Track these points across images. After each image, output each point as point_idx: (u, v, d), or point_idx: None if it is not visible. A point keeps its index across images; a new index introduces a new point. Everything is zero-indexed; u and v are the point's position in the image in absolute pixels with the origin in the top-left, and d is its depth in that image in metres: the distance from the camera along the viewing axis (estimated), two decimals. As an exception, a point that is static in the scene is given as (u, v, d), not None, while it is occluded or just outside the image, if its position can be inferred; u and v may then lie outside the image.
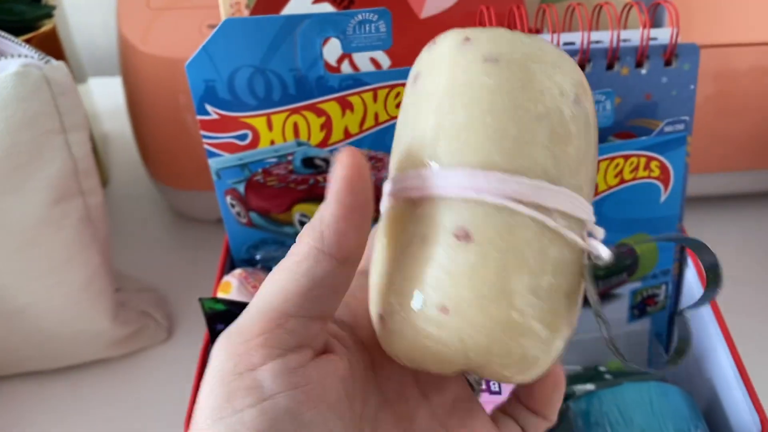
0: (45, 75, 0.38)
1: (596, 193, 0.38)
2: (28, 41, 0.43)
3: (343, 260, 0.22)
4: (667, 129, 0.37)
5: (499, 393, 0.36)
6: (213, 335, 0.34)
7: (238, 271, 0.39)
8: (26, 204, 0.39)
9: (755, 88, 0.49)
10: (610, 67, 0.38)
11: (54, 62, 0.39)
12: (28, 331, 0.43)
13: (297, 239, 0.22)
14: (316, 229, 0.22)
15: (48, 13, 0.48)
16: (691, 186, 0.52)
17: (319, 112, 0.35)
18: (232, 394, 0.20)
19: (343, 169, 0.22)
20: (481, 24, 0.38)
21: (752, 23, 0.48)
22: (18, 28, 0.46)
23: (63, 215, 0.41)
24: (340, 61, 0.39)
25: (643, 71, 0.38)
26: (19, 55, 0.39)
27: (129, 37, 0.49)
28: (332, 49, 0.38)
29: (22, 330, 0.43)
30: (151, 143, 0.52)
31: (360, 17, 0.32)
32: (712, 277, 0.24)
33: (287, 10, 0.38)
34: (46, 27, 0.47)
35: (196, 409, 0.21)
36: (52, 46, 0.48)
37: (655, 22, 0.43)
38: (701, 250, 0.23)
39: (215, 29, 0.32)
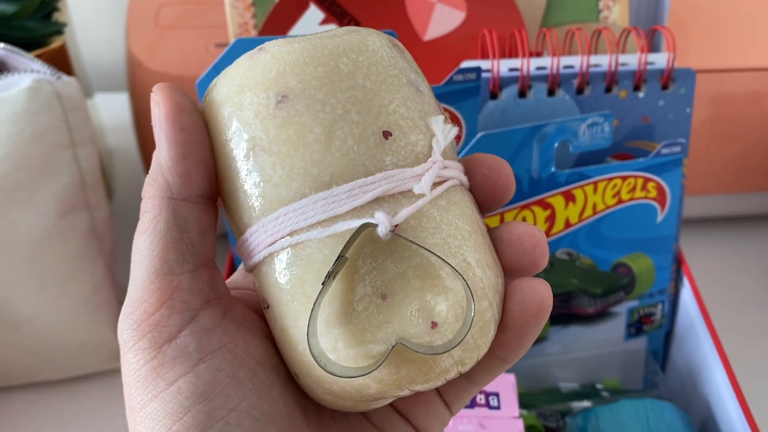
0: (57, 90, 0.39)
1: (594, 213, 0.39)
2: (38, 57, 0.44)
3: (199, 199, 0.21)
4: (664, 151, 0.38)
5: (498, 408, 0.37)
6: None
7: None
8: (35, 216, 0.40)
9: (750, 112, 0.50)
10: (608, 90, 0.39)
11: (65, 78, 0.40)
12: (32, 342, 0.43)
13: (143, 195, 0.21)
14: (159, 179, 0.21)
15: (58, 29, 0.49)
16: (688, 207, 0.53)
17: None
18: (159, 369, 0.19)
19: (162, 107, 0.21)
20: (483, 47, 0.39)
21: (747, 49, 0.49)
22: (29, 44, 0.46)
23: (70, 228, 0.41)
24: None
25: (641, 95, 0.39)
26: (32, 71, 0.39)
27: (137, 54, 0.50)
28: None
29: (26, 341, 0.43)
30: (156, 158, 0.53)
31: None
32: None
33: (294, 31, 0.39)
34: (56, 43, 0.48)
35: (126, 394, 0.20)
36: (61, 62, 0.49)
37: (653, 48, 0.44)
38: None
39: (226, 48, 0.33)
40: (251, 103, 0.21)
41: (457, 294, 0.20)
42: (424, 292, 0.20)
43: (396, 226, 0.20)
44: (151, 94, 0.21)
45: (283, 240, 0.20)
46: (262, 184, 0.21)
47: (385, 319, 0.20)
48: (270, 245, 0.21)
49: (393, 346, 0.20)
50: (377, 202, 0.20)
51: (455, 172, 0.22)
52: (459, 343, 0.20)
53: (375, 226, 0.20)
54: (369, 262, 0.20)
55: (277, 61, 0.21)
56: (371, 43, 0.22)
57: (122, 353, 0.20)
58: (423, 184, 0.21)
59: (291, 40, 0.22)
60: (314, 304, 0.20)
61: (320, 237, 0.20)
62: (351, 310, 0.20)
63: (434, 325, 0.20)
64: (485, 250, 0.21)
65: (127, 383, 0.20)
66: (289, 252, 0.21)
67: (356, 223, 0.20)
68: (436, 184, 0.21)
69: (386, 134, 0.21)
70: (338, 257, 0.20)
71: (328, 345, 0.20)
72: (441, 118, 0.22)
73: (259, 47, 0.22)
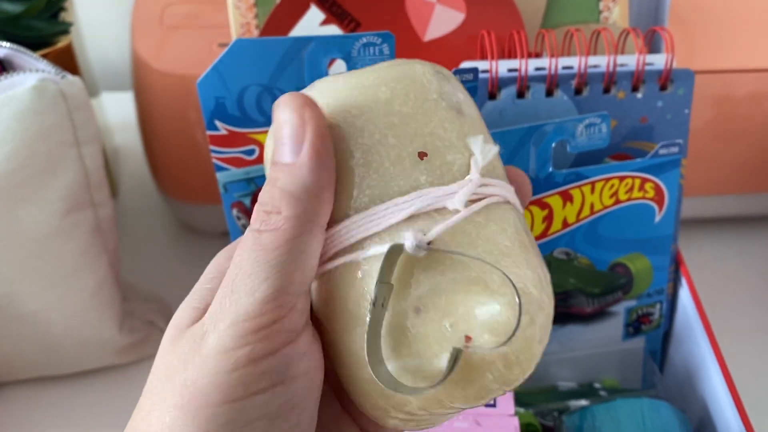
0: (61, 89, 0.39)
1: (592, 213, 0.39)
2: (45, 56, 0.45)
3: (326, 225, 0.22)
4: (662, 151, 0.39)
5: (493, 405, 0.37)
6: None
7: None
8: (39, 213, 0.40)
9: (753, 113, 0.50)
10: (606, 90, 0.39)
11: (70, 77, 0.40)
12: (37, 338, 0.44)
13: (265, 205, 0.21)
14: (306, 202, 0.21)
15: (65, 29, 0.49)
16: (689, 208, 0.53)
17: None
18: (245, 378, 0.20)
19: (311, 127, 0.21)
20: (483, 48, 0.39)
21: (751, 50, 0.50)
22: (35, 43, 0.47)
23: (74, 225, 0.42)
24: (345, 80, 0.41)
25: (639, 95, 0.39)
26: (37, 70, 0.40)
27: (142, 54, 0.50)
28: (338, 70, 0.40)
29: (31, 336, 0.44)
30: (161, 157, 0.54)
31: (364, 40, 0.34)
32: None
33: (296, 32, 0.40)
34: (62, 43, 0.49)
35: (189, 373, 0.20)
36: (67, 61, 0.49)
37: (654, 49, 0.44)
38: None
39: (226, 49, 0.33)
40: None
41: (492, 308, 0.20)
42: (458, 306, 0.21)
43: (430, 242, 0.21)
44: (292, 106, 0.21)
45: (328, 262, 0.22)
46: None
47: (419, 334, 0.21)
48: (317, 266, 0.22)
49: (456, 357, 0.20)
50: (413, 220, 0.21)
51: (498, 189, 0.22)
52: (493, 349, 0.20)
53: (402, 245, 0.21)
54: (405, 278, 0.21)
55: (322, 95, 0.23)
56: (412, 72, 0.23)
57: (210, 351, 0.20)
58: (456, 200, 0.21)
59: (336, 77, 0.23)
60: (367, 333, 0.21)
61: (358, 259, 0.21)
62: (386, 325, 0.21)
63: (468, 339, 0.20)
64: (530, 267, 0.22)
65: (200, 371, 0.20)
66: (333, 273, 0.22)
67: (385, 247, 0.21)
68: (474, 202, 0.22)
69: (421, 155, 0.22)
70: (378, 283, 0.21)
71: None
72: (480, 137, 0.23)
73: (310, 85, 0.24)
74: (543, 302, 0.21)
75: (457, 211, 0.21)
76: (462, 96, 0.24)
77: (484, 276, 0.21)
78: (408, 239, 0.21)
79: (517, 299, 0.20)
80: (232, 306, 0.20)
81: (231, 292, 0.21)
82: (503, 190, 0.23)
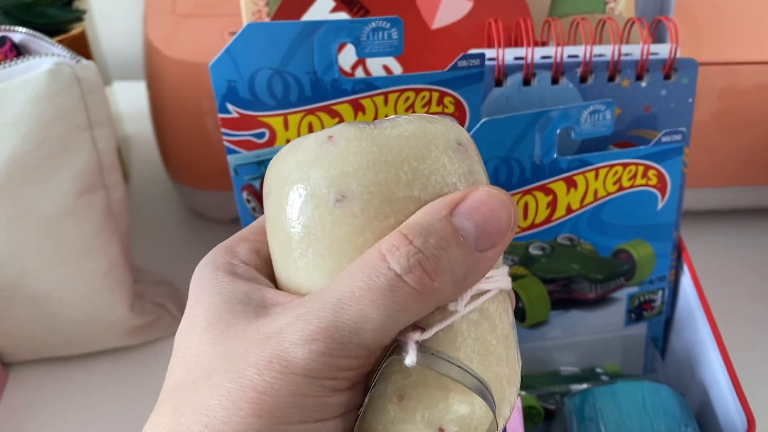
0: (76, 73, 0.40)
1: (596, 199, 0.40)
2: (59, 43, 0.46)
3: None
4: (665, 139, 0.39)
5: None
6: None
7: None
8: (53, 194, 0.41)
9: (759, 105, 0.51)
10: (611, 79, 0.39)
11: (84, 61, 0.41)
12: (49, 318, 0.45)
13: (420, 254, 0.21)
14: (455, 286, 0.21)
15: (78, 17, 0.50)
16: (694, 200, 0.54)
17: (333, 114, 0.37)
18: (330, 407, 0.21)
19: (507, 242, 0.22)
20: (490, 36, 0.40)
21: (758, 42, 0.50)
22: (50, 30, 0.48)
23: (87, 207, 0.43)
24: (354, 66, 0.41)
25: (643, 84, 0.40)
26: (52, 54, 0.41)
27: (154, 42, 0.51)
28: (347, 55, 0.40)
29: (43, 316, 0.45)
30: (172, 144, 0.54)
31: (373, 25, 0.34)
32: None
33: (306, 18, 0.40)
34: (75, 30, 0.50)
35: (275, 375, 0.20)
36: (81, 49, 0.50)
37: (660, 40, 0.44)
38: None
39: (238, 33, 0.34)
40: (312, 194, 0.22)
41: (467, 408, 0.22)
42: (438, 401, 0.21)
43: (423, 341, 0.21)
44: (512, 215, 0.22)
45: None
46: (309, 270, 0.22)
47: (397, 418, 0.22)
48: None
49: None
50: None
51: (496, 282, 0.23)
52: None
53: (402, 354, 0.21)
54: (395, 364, 0.22)
55: (342, 160, 0.22)
56: (435, 148, 0.22)
57: (297, 370, 0.20)
58: (458, 303, 0.22)
59: (360, 133, 0.22)
60: (356, 425, 0.21)
61: None
62: (369, 402, 0.22)
63: (441, 431, 0.22)
64: (507, 363, 0.23)
65: (283, 387, 0.20)
66: None
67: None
68: (475, 296, 0.22)
69: None
70: (370, 387, 0.21)
71: None
72: None
73: (329, 135, 0.23)
74: (512, 395, 0.23)
75: (455, 312, 0.22)
76: (477, 169, 0.24)
77: (465, 378, 0.21)
78: (410, 355, 0.21)
79: (492, 415, 0.22)
80: (330, 332, 0.20)
81: (335, 315, 0.20)
82: (501, 281, 0.23)
